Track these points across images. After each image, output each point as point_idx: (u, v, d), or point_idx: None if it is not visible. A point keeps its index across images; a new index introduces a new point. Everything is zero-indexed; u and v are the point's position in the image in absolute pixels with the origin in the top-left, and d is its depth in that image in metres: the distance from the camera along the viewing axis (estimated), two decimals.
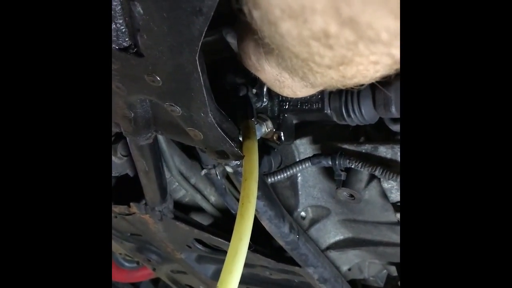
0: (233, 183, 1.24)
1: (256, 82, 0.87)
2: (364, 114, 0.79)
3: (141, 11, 0.55)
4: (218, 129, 0.70)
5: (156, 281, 2.83)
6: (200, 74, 0.60)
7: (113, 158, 1.01)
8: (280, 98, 0.88)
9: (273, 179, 0.95)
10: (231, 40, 1.01)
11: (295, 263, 1.07)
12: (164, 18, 0.54)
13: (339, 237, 1.13)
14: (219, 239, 1.12)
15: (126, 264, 2.54)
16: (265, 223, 0.92)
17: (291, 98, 0.87)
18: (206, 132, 0.71)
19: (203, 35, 0.54)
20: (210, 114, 0.67)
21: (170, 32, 0.55)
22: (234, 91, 0.83)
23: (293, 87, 0.65)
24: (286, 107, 0.88)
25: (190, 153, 1.23)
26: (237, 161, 0.76)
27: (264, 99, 0.89)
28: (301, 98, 0.85)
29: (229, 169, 0.81)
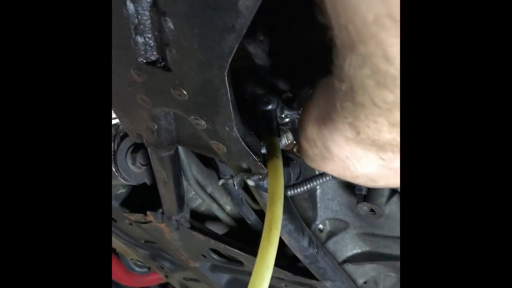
0: (250, 193, 1.23)
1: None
2: None
3: (172, 27, 0.54)
4: (242, 143, 0.69)
5: (164, 286, 2.83)
6: (228, 90, 0.60)
7: (132, 167, 1.01)
8: (301, 110, 0.87)
9: (293, 192, 0.94)
10: (253, 51, 1.01)
11: (312, 276, 1.06)
12: (195, 34, 0.53)
13: (357, 250, 1.12)
14: (235, 250, 1.11)
15: (137, 269, 2.54)
16: (285, 237, 0.91)
17: None
18: (229, 146, 0.71)
19: (234, 51, 0.54)
20: (235, 129, 0.67)
21: (201, 48, 0.55)
22: (260, 103, 0.82)
23: (368, 171, 0.60)
24: None
25: (207, 162, 1.23)
26: (259, 176, 0.75)
27: (285, 110, 0.88)
28: None
29: (250, 183, 0.81)
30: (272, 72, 0.99)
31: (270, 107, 0.82)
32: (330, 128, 0.58)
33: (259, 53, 1.01)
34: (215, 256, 1.25)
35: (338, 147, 0.59)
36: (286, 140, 0.89)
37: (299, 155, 0.90)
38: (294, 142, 0.89)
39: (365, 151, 0.57)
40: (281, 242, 0.97)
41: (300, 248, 0.94)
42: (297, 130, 0.89)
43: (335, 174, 0.65)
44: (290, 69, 0.95)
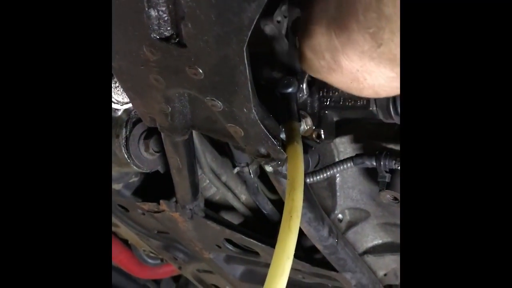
0: (265, 182, 1.20)
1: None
2: None
3: None
4: (261, 125, 0.66)
5: (177, 278, 2.82)
6: (246, 67, 0.56)
7: (145, 154, 0.98)
8: (321, 94, 0.83)
9: (312, 179, 0.90)
10: (270, 33, 0.97)
11: (331, 268, 1.03)
12: (212, 5, 0.50)
13: (378, 241, 1.09)
14: (252, 240, 1.08)
15: (150, 260, 2.53)
16: (304, 226, 0.88)
17: (333, 94, 0.83)
18: (247, 128, 0.67)
19: (254, 24, 0.50)
20: (253, 110, 0.63)
21: (218, 20, 0.51)
22: (280, 86, 0.78)
23: (377, 83, 0.59)
24: (328, 103, 0.83)
25: (221, 150, 1.20)
26: (278, 161, 0.72)
27: (304, 94, 0.84)
28: (345, 94, 0.80)
29: (268, 169, 0.77)
30: (289, 54, 0.96)
31: (290, 89, 0.78)
32: (343, 39, 0.55)
33: (276, 35, 0.97)
34: (230, 246, 1.22)
35: (349, 60, 0.57)
36: (305, 125, 0.85)
37: (318, 141, 0.86)
38: (314, 127, 0.85)
39: (379, 65, 0.55)
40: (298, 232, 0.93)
41: (319, 237, 0.90)
42: (316, 114, 0.85)
43: (341, 85, 0.63)
44: None
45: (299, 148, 0.70)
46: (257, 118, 0.64)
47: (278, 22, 0.96)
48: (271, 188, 1.21)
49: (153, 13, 0.55)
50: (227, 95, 0.62)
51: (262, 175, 1.16)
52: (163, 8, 0.55)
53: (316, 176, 0.91)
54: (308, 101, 0.85)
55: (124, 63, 0.66)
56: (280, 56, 0.98)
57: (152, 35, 0.57)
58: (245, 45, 0.53)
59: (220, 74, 0.59)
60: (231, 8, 0.49)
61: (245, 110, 0.63)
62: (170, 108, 0.72)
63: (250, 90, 0.60)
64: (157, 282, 2.90)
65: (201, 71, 0.59)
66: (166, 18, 0.56)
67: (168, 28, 0.57)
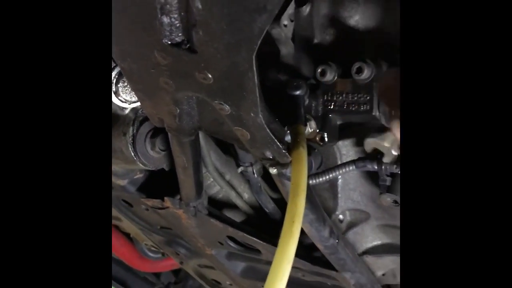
0: (268, 182, 1.22)
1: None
2: None
3: (200, 6, 0.52)
4: (267, 129, 0.67)
5: (176, 272, 2.84)
6: (255, 74, 0.58)
7: (151, 152, 0.99)
8: (326, 98, 0.85)
9: (314, 181, 0.92)
10: (276, 36, 0.99)
11: (331, 267, 1.05)
12: (224, 14, 0.51)
13: (377, 242, 1.10)
14: (254, 238, 1.10)
15: (151, 254, 2.55)
16: (305, 226, 0.90)
17: (337, 98, 0.84)
18: (254, 132, 0.69)
19: (264, 33, 0.52)
20: (260, 115, 0.65)
21: (229, 29, 0.53)
22: (289, 88, 0.80)
23: None
24: (332, 107, 0.85)
25: (226, 149, 1.22)
26: (283, 164, 0.74)
27: (308, 98, 0.86)
28: (349, 98, 0.82)
29: (273, 171, 0.79)
30: (295, 58, 0.97)
31: (299, 92, 0.80)
32: None
33: (282, 38, 0.99)
34: (232, 244, 1.24)
35: None
36: (309, 128, 0.86)
37: (321, 144, 0.88)
38: (318, 130, 0.87)
39: None
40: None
41: (320, 238, 0.92)
42: (320, 118, 0.87)
43: None
44: (314, 55, 0.93)
45: (304, 153, 0.71)
46: (263, 122, 0.66)
47: (285, 25, 0.98)
48: (273, 187, 1.22)
49: (166, 20, 0.57)
50: (235, 99, 0.64)
51: (265, 174, 1.18)
52: (175, 15, 0.56)
53: (319, 178, 0.92)
54: (313, 105, 0.86)
55: (135, 65, 0.68)
56: (286, 58, 1.00)
57: (163, 41, 0.59)
58: (255, 53, 0.54)
59: (228, 79, 0.60)
60: (242, 18, 0.51)
61: (252, 114, 0.65)
62: (178, 110, 0.73)
63: (258, 95, 0.62)
64: (157, 275, 2.92)
65: (210, 76, 0.61)
66: (178, 25, 0.58)
67: (180, 34, 0.59)
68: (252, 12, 0.49)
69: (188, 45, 0.59)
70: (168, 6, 0.55)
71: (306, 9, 0.93)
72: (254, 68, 0.57)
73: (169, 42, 0.59)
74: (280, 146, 0.70)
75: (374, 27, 0.86)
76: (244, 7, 0.49)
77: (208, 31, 0.55)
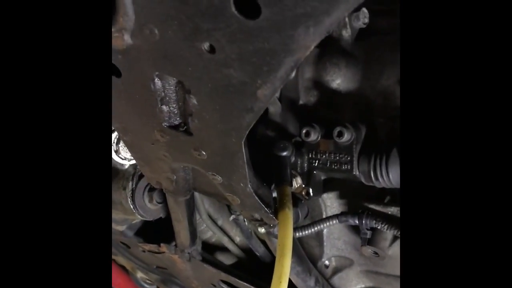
0: None
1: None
2: (392, 179, 0.82)
3: (195, 102, 0.60)
4: (255, 197, 0.74)
5: None
6: (244, 154, 0.65)
7: (149, 204, 1.06)
8: (310, 156, 0.91)
9: (300, 233, 0.99)
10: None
11: None
12: (216, 110, 0.59)
13: (361, 285, 1.16)
14: (245, 284, 1.16)
15: (146, 286, 2.58)
16: (293, 277, 0.96)
17: (320, 157, 0.90)
18: (243, 199, 0.76)
19: (251, 126, 0.59)
20: (249, 185, 0.72)
21: (221, 121, 0.60)
22: (275, 148, 0.86)
23: None
24: (316, 164, 0.91)
25: None
26: (270, 225, 0.80)
27: (294, 156, 0.92)
28: (331, 157, 0.88)
29: (261, 230, 0.86)
30: (282, 116, 1.04)
31: (285, 153, 0.87)
32: None
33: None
34: (224, 286, 1.30)
35: None
36: (295, 183, 0.93)
37: (307, 197, 0.94)
38: (303, 185, 0.93)
39: None
40: None
41: (306, 287, 0.99)
42: (305, 174, 0.93)
43: None
44: (300, 115, 1.00)
45: (289, 214, 0.77)
46: (252, 191, 0.73)
47: None
48: None
49: (165, 108, 0.64)
50: (227, 172, 0.71)
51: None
52: (174, 105, 0.64)
53: (305, 231, 0.99)
54: (299, 162, 0.92)
55: (136, 139, 0.75)
56: (273, 116, 1.06)
57: (163, 124, 0.66)
58: (243, 139, 0.62)
59: (221, 156, 0.68)
60: (232, 113, 0.58)
61: (241, 184, 0.72)
62: (175, 176, 0.80)
63: (247, 170, 0.69)
64: None
65: (204, 153, 0.68)
66: (176, 112, 0.65)
67: (178, 119, 0.66)
68: (241, 111, 0.56)
69: (185, 128, 0.66)
70: (167, 98, 0.63)
71: (292, 73, 1.00)
72: (243, 150, 0.64)
73: (168, 125, 0.67)
74: (268, 211, 0.77)
75: (354, 90, 0.94)
76: (234, 106, 0.56)
77: (202, 121, 0.62)
